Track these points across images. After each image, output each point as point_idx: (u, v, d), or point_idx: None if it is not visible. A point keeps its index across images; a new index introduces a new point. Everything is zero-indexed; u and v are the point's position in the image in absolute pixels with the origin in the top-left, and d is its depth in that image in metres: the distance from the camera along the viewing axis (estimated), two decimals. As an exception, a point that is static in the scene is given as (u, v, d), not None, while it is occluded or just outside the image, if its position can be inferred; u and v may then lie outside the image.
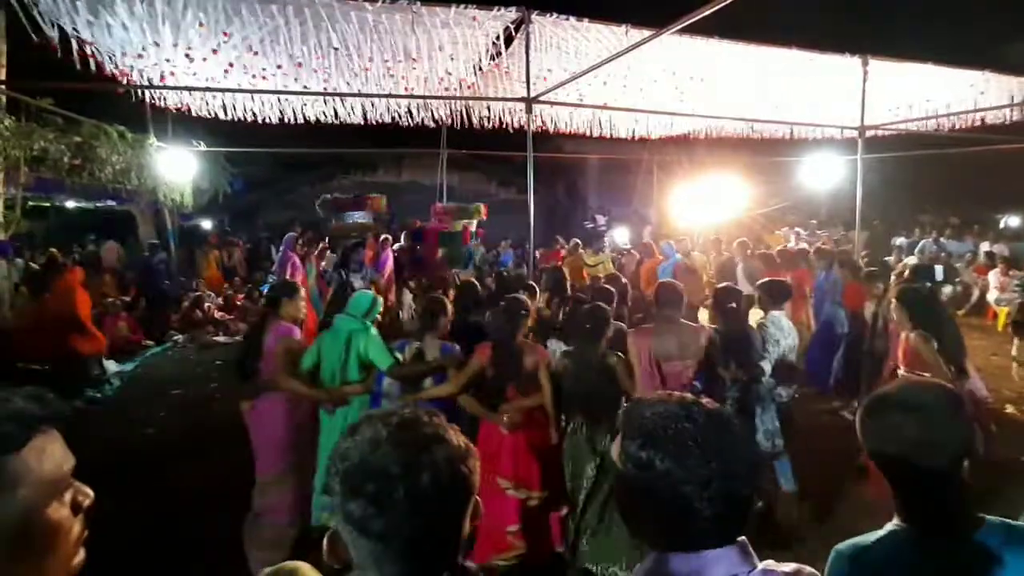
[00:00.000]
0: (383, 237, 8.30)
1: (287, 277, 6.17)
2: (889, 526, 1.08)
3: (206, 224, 14.84)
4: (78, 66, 4.88)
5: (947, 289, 10.01)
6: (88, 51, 4.95)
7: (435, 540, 0.73)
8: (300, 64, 5.58)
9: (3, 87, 5.02)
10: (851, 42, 6.23)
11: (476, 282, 4.68)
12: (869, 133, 7.12)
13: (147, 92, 6.03)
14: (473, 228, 8.95)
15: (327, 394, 3.03)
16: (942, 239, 11.45)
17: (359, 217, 8.46)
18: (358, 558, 0.72)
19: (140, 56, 5.32)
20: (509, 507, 2.86)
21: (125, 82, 5.53)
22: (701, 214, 9.56)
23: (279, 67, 5.67)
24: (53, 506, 0.70)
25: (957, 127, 8.01)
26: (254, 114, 6.63)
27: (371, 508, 0.69)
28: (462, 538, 0.76)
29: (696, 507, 0.80)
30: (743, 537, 0.84)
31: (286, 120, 6.80)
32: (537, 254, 8.29)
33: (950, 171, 12.12)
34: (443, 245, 8.44)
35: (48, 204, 11.72)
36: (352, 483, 0.70)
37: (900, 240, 12.39)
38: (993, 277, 9.21)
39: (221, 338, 8.31)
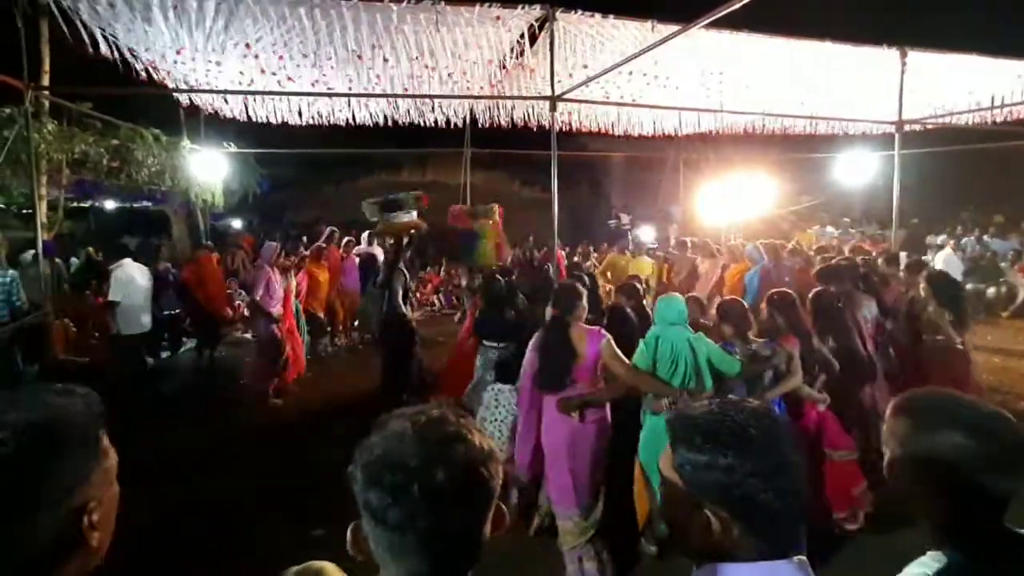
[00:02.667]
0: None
1: (258, 297, 5.58)
2: (941, 558, 0.98)
3: (236, 224, 15.23)
4: (128, 72, 5.07)
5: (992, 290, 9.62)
6: (126, 57, 5.12)
7: (451, 538, 0.73)
8: (327, 66, 5.67)
9: (47, 92, 5.21)
10: (888, 33, 6.01)
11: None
12: (908, 128, 6.85)
13: (181, 96, 6.21)
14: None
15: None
16: (985, 237, 10.97)
17: (406, 216, 8.57)
18: (377, 551, 0.74)
19: (176, 63, 5.48)
20: (849, 471, 3.26)
21: (163, 86, 5.71)
22: (729, 212, 9.34)
23: (313, 72, 5.77)
24: (115, 485, 0.80)
25: (1002, 120, 7.65)
26: (282, 116, 6.77)
27: (388, 498, 0.71)
28: (481, 542, 0.76)
29: (762, 500, 0.79)
30: (803, 557, 0.82)
31: (313, 121, 6.93)
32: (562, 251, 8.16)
33: (994, 166, 11.60)
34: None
35: (87, 205, 12.18)
36: (372, 473, 0.73)
37: (941, 238, 11.89)
38: (1041, 277, 8.79)
39: (250, 335, 8.48)
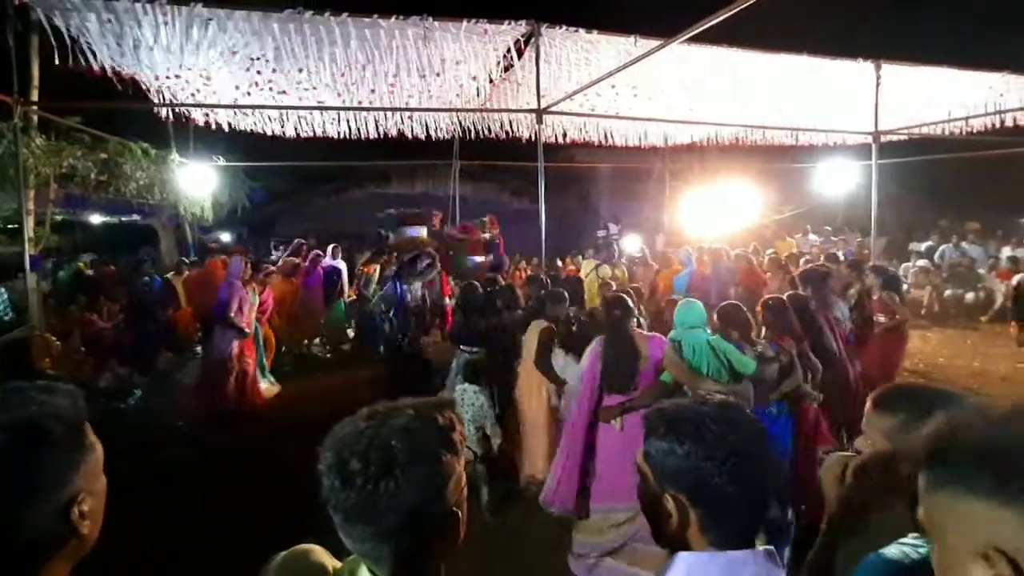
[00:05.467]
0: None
1: (232, 314, 5.43)
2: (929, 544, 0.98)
3: (225, 236, 15.15)
4: (117, 86, 5.10)
5: (970, 295, 9.85)
6: (116, 71, 5.16)
7: (388, 518, 0.74)
8: (316, 80, 5.75)
9: (35, 107, 5.23)
10: (863, 46, 6.22)
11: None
12: (884, 138, 7.06)
13: (171, 109, 6.25)
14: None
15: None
16: (963, 244, 11.22)
17: (416, 232, 8.72)
18: (347, 543, 0.78)
19: (167, 77, 5.53)
20: None
21: (155, 100, 5.75)
22: (715, 222, 9.51)
23: (303, 86, 5.85)
24: (103, 476, 0.83)
25: (976, 130, 7.89)
26: (272, 130, 6.83)
27: (327, 476, 0.76)
28: (439, 524, 0.77)
29: (716, 484, 0.84)
30: (770, 547, 0.86)
31: (303, 134, 6.99)
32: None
33: (970, 175, 11.90)
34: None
35: (72, 219, 12.08)
36: (323, 457, 0.78)
37: (926, 245, 12.13)
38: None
39: (198, 351, 8.36)
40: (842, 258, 6.68)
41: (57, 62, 4.62)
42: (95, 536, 0.79)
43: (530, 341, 3.87)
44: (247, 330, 5.63)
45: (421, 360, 5.53)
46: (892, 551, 1.00)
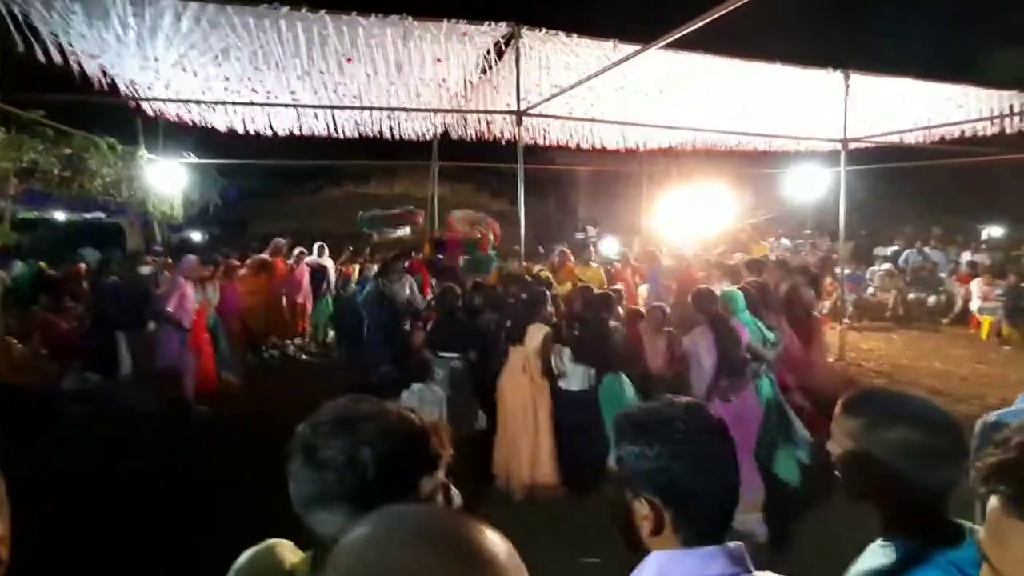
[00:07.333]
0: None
1: (170, 309, 5.41)
2: (897, 546, 1.01)
3: (196, 236, 14.77)
4: (84, 79, 4.92)
5: (931, 299, 10.22)
6: (82, 63, 4.98)
7: (358, 503, 0.75)
8: (294, 77, 5.65)
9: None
10: (833, 57, 6.42)
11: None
12: (852, 146, 7.28)
13: (141, 104, 6.06)
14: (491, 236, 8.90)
15: None
16: (926, 249, 11.65)
17: (399, 231, 8.68)
18: (319, 531, 0.79)
19: (138, 70, 5.37)
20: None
21: (122, 94, 5.57)
22: (691, 225, 9.68)
23: (280, 83, 5.74)
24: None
25: (938, 140, 8.20)
26: (248, 127, 6.68)
27: (296, 463, 0.78)
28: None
29: (686, 483, 0.86)
30: (739, 543, 0.87)
31: (279, 132, 6.87)
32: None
33: (933, 182, 12.39)
34: (466, 253, 8.36)
35: (35, 216, 11.62)
36: (293, 446, 0.81)
37: (891, 249, 12.55)
38: (976, 286, 9.36)
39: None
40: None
41: (18, 52, 4.44)
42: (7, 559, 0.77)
43: (532, 343, 3.89)
44: (185, 325, 5.58)
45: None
46: (875, 561, 1.02)
